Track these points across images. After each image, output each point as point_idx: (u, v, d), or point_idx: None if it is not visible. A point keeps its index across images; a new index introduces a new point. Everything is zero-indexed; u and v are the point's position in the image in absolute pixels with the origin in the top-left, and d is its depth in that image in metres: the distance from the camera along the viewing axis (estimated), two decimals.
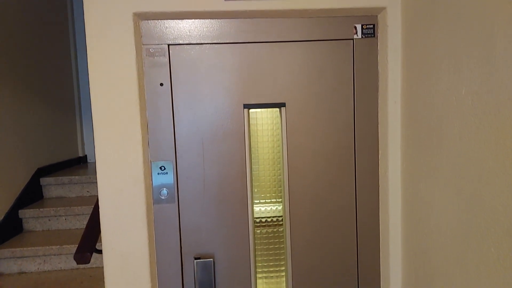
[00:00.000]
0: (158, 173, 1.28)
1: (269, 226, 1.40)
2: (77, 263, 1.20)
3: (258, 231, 1.39)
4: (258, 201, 1.39)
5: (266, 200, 1.39)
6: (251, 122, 1.35)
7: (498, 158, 0.74)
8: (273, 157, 1.36)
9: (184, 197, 1.30)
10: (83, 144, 3.68)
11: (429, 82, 1.02)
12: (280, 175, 1.36)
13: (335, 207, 1.36)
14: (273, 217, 1.40)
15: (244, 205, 1.32)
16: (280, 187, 1.37)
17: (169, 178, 1.29)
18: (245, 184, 1.31)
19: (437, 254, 1.02)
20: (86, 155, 3.68)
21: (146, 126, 1.26)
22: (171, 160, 1.29)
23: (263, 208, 1.40)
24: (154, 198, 1.29)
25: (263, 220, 1.40)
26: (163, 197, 1.29)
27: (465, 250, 0.89)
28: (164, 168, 1.28)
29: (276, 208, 1.40)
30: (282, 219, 1.39)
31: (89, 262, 1.23)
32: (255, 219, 1.39)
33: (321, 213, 1.35)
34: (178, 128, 1.29)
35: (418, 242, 1.14)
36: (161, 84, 1.26)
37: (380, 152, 1.32)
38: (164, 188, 1.29)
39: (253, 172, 1.35)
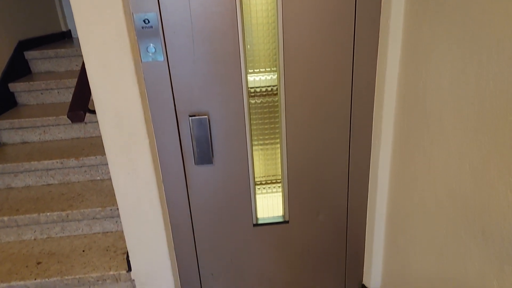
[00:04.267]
0: (142, 27, 1.19)
1: (264, 96, 1.38)
2: (72, 122, 1.20)
3: (253, 101, 1.37)
4: (252, 70, 1.33)
5: (261, 70, 1.34)
6: None
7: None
8: (266, 8, 1.25)
9: (173, 53, 1.24)
10: (64, 17, 3.42)
11: None
12: (274, 29, 1.27)
13: (331, 76, 1.31)
14: (268, 86, 1.36)
15: (237, 61, 1.27)
16: (275, 48, 1.29)
17: (154, 33, 1.20)
18: (237, 39, 1.23)
19: (433, 98, 1.02)
20: (69, 30, 3.45)
21: None
22: (155, 12, 1.18)
23: (258, 78, 1.35)
24: (141, 55, 1.23)
25: (258, 90, 1.36)
26: (150, 54, 1.23)
27: (461, 89, 0.87)
28: (148, 21, 1.19)
29: (271, 77, 1.35)
30: (276, 89, 1.36)
31: (83, 121, 1.23)
32: (249, 89, 1.35)
33: (316, 84, 1.31)
34: None
35: (415, 93, 1.12)
36: None
37: (381, 23, 1.21)
38: (151, 44, 1.21)
39: (245, 27, 1.25)
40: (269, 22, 1.26)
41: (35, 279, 1.50)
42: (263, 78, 1.35)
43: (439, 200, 1.03)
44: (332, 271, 1.64)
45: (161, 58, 1.23)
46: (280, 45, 1.26)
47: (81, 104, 1.23)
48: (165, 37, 1.22)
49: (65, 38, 3.42)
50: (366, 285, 1.63)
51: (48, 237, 1.78)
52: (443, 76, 0.96)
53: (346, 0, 1.22)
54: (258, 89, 1.36)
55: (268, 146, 1.44)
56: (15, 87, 2.37)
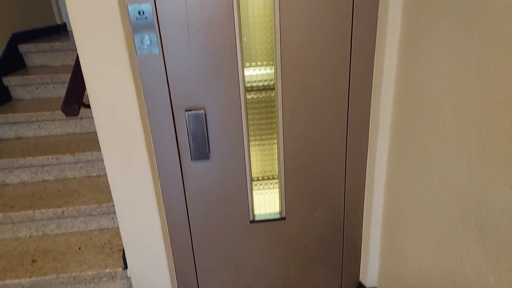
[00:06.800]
0: (137, 19, 1.16)
1: (261, 91, 1.35)
2: (66, 116, 1.18)
3: (250, 96, 1.34)
4: (249, 64, 1.30)
5: (258, 64, 1.31)
6: None
7: None
8: (264, 3, 1.23)
9: (168, 46, 1.21)
10: (59, 10, 3.37)
11: None
12: (271, 22, 1.25)
13: (328, 70, 1.28)
14: (265, 81, 1.33)
15: (233, 54, 1.25)
16: (272, 42, 1.27)
17: (149, 24, 1.17)
18: (233, 31, 1.21)
19: (431, 91, 1.00)
20: (65, 23, 3.41)
21: None
22: (149, 3, 1.15)
23: (254, 72, 1.33)
24: (136, 47, 1.20)
25: (255, 85, 1.34)
26: (145, 46, 1.20)
27: (461, 80, 0.86)
28: (143, 13, 1.16)
29: (268, 72, 1.33)
30: (273, 84, 1.33)
31: (77, 115, 1.21)
32: (246, 84, 1.32)
33: (314, 78, 1.29)
34: None
35: (413, 86, 1.11)
36: None
37: (378, 15, 1.19)
38: (146, 36, 1.19)
39: (241, 19, 1.23)
40: (266, 14, 1.23)
41: (30, 277, 1.48)
42: (260, 72, 1.33)
43: (436, 195, 1.02)
44: (329, 268, 1.63)
45: (156, 50, 1.21)
46: (277, 38, 1.24)
47: (75, 98, 1.21)
48: (160, 29, 1.19)
49: (60, 31, 3.38)
50: (363, 282, 1.62)
51: (43, 234, 1.76)
52: (442, 67, 0.94)
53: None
54: (255, 84, 1.34)
55: (265, 142, 1.42)
56: (10, 81, 2.34)
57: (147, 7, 1.15)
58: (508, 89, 0.71)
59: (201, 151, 1.35)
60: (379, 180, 1.41)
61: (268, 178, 1.48)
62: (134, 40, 1.19)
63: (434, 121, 1.00)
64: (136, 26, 1.17)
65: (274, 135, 1.41)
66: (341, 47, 1.27)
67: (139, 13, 1.16)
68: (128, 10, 1.14)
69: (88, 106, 1.31)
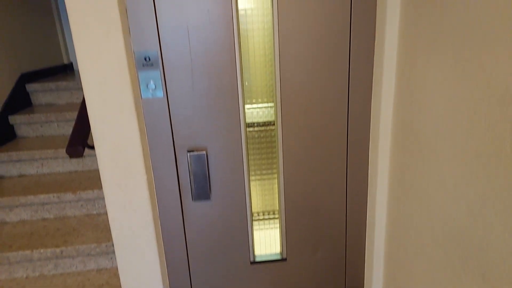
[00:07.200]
0: (143, 65, 1.21)
1: (261, 130, 1.38)
2: (70, 157, 1.20)
3: (251, 135, 1.38)
4: (250, 105, 1.34)
5: (258, 104, 1.35)
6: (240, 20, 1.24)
7: None
8: (263, 46, 1.28)
9: (172, 89, 1.26)
10: (67, 50, 3.50)
11: None
12: (271, 67, 1.30)
13: (327, 111, 1.32)
14: (265, 120, 1.37)
15: (235, 97, 1.29)
16: (272, 85, 1.32)
17: (155, 70, 1.22)
18: (235, 74, 1.26)
19: (428, 133, 1.02)
20: (71, 63, 3.52)
21: (125, 11, 1.15)
22: (155, 50, 1.21)
23: (255, 112, 1.36)
24: (141, 91, 1.24)
25: (255, 123, 1.37)
26: (150, 90, 1.24)
27: (456, 125, 0.88)
28: (149, 59, 1.21)
29: (268, 111, 1.37)
30: (274, 123, 1.37)
31: (82, 156, 1.23)
32: (247, 124, 1.36)
33: (312, 118, 1.32)
34: (159, 13, 1.18)
35: (409, 117, 1.13)
36: None
37: (375, 59, 1.25)
38: (151, 81, 1.23)
39: (243, 65, 1.28)
40: (266, 60, 1.29)
41: None
42: (260, 112, 1.37)
43: (437, 238, 1.01)
44: None
45: (160, 94, 1.25)
46: (277, 81, 1.28)
47: (80, 139, 1.24)
48: (165, 74, 1.24)
49: (67, 70, 3.49)
50: None
51: (40, 275, 1.73)
52: (438, 111, 0.97)
53: (341, 40, 1.25)
54: (255, 123, 1.37)
55: (265, 182, 1.44)
56: (15, 119, 2.38)
57: (153, 53, 1.20)
58: (504, 137, 0.74)
59: (202, 191, 1.36)
60: (380, 221, 1.40)
61: (269, 218, 1.47)
62: (139, 84, 1.23)
63: (432, 164, 1.02)
64: (142, 71, 1.22)
65: (275, 174, 1.42)
66: (340, 88, 1.31)
67: (145, 59, 1.21)
68: (134, 56, 1.20)
69: (92, 148, 1.33)
